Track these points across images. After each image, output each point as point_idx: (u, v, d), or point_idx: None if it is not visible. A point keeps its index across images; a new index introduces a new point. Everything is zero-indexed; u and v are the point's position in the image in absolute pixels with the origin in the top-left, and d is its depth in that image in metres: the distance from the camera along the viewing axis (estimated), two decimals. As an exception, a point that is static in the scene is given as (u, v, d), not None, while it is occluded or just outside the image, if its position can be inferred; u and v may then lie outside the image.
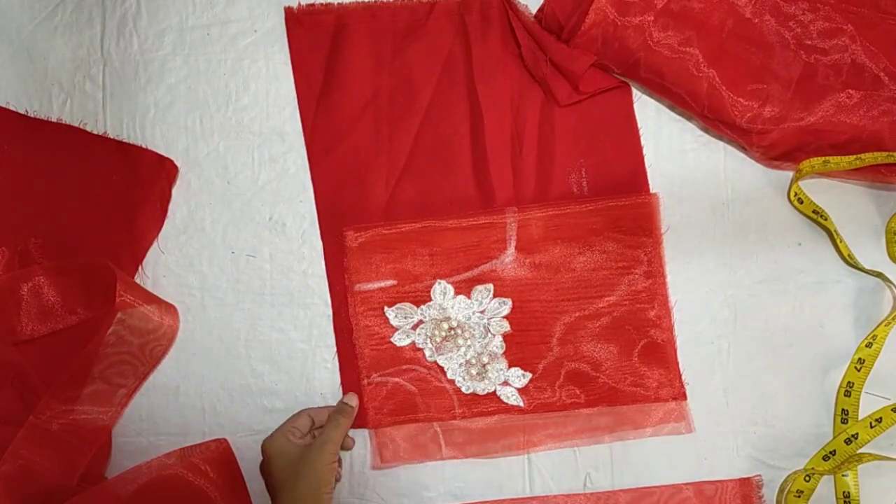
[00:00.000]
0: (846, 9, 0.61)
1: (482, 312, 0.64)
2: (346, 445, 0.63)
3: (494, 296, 0.64)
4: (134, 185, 0.65)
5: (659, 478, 0.64)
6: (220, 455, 0.63)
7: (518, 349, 0.64)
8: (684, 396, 0.64)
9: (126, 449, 0.64)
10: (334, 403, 0.64)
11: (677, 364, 0.64)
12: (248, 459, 0.64)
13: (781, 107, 0.60)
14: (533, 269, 0.64)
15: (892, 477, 0.63)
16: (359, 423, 0.63)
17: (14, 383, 0.61)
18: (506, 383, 0.64)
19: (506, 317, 0.64)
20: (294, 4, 0.66)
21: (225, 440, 0.63)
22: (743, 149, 0.64)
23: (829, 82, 0.61)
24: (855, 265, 0.64)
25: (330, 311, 0.65)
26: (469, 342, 0.63)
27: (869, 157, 0.60)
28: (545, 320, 0.64)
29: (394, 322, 0.64)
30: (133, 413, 0.64)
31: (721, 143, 0.66)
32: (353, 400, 0.63)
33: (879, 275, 0.63)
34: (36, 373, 0.62)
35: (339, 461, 0.63)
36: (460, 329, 0.63)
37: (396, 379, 0.64)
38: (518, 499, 0.64)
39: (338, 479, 0.63)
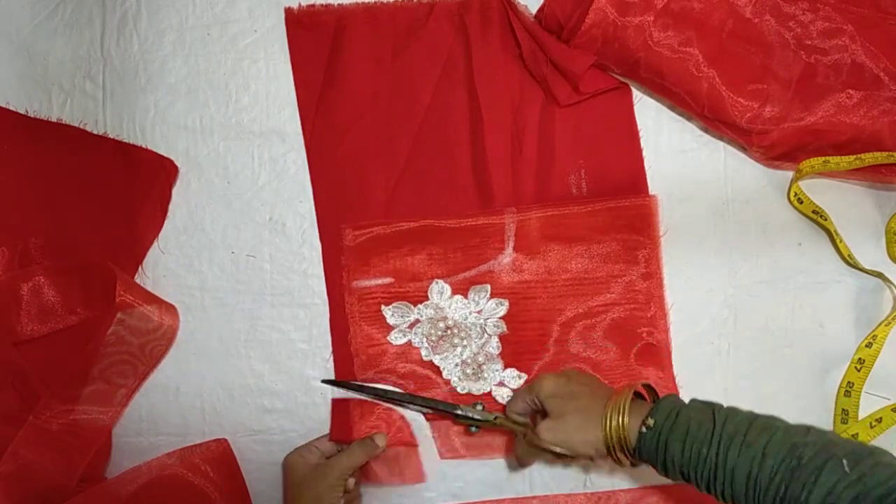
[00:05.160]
0: (846, 9, 0.61)
1: (479, 313, 0.64)
2: (347, 485, 0.59)
3: (492, 296, 0.63)
4: (134, 185, 0.65)
5: (659, 478, 0.64)
6: (220, 455, 0.63)
7: (514, 350, 0.64)
8: (678, 398, 0.64)
9: (126, 449, 0.64)
10: (334, 403, 0.64)
11: (671, 366, 0.64)
12: (248, 460, 0.64)
13: (781, 107, 0.60)
14: (531, 271, 0.64)
15: (892, 477, 0.63)
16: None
17: (14, 383, 0.61)
18: (501, 384, 0.64)
19: (502, 318, 0.64)
20: (294, 5, 0.66)
21: (225, 440, 0.63)
22: (743, 149, 0.64)
23: (829, 82, 0.60)
24: (855, 265, 0.64)
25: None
26: (465, 342, 0.63)
27: (869, 157, 0.60)
28: (542, 322, 0.64)
29: (390, 320, 0.64)
30: (133, 413, 0.64)
31: (721, 143, 0.65)
32: (381, 440, 0.62)
33: (879, 275, 0.63)
34: (36, 373, 0.62)
35: (355, 492, 0.61)
36: (457, 329, 0.63)
37: (392, 377, 0.64)
38: (518, 499, 0.64)
39: None
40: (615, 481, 0.64)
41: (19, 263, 0.63)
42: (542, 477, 0.64)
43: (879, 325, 0.62)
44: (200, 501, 0.62)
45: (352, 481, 0.60)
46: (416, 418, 0.63)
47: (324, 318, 0.65)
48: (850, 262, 0.64)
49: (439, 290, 0.63)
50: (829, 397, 0.64)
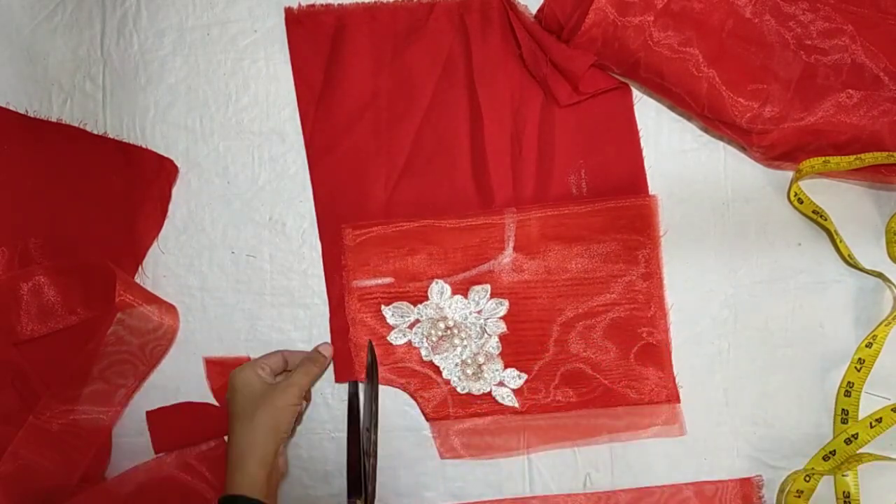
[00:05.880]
0: (846, 9, 0.61)
1: (479, 313, 0.64)
2: (306, 397, 0.62)
3: (492, 296, 0.63)
4: (134, 185, 0.65)
5: (659, 478, 0.64)
6: (217, 456, 0.63)
7: (514, 350, 0.64)
8: (678, 399, 0.64)
9: (126, 449, 0.64)
10: (334, 404, 0.64)
11: (671, 366, 0.64)
12: (248, 459, 0.64)
13: (781, 107, 0.60)
14: (531, 271, 0.64)
15: (892, 477, 0.63)
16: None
17: (14, 383, 0.62)
18: (501, 384, 0.64)
19: (502, 318, 0.63)
20: (294, 5, 0.66)
21: (223, 440, 0.63)
22: (743, 149, 0.64)
23: (829, 82, 0.60)
24: (855, 265, 0.64)
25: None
26: (465, 342, 0.63)
27: (869, 157, 0.60)
28: (542, 322, 0.64)
29: (390, 321, 0.64)
30: (133, 413, 0.64)
31: (721, 143, 0.65)
32: (327, 350, 0.63)
33: (879, 275, 0.63)
34: (36, 373, 0.62)
35: (303, 410, 0.63)
36: (457, 329, 0.63)
37: (391, 377, 0.64)
38: (518, 499, 0.64)
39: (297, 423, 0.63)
40: (615, 481, 0.64)
41: (19, 263, 0.63)
42: (542, 477, 0.64)
43: (879, 325, 0.62)
44: (197, 502, 0.62)
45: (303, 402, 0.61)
46: None
47: (324, 318, 0.65)
48: (850, 262, 0.64)
49: (439, 290, 0.63)
50: (829, 397, 0.64)
